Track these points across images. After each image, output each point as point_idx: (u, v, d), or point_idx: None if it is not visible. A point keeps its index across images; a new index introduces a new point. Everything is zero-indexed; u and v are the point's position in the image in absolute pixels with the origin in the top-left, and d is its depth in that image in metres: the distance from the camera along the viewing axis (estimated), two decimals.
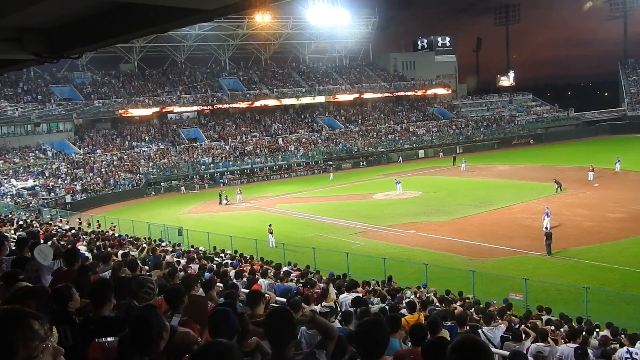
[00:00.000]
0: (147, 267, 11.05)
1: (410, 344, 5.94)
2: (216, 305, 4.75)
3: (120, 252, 14.01)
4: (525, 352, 8.69)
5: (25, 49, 6.99)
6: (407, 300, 12.39)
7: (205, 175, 60.56)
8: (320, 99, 79.93)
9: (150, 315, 3.19)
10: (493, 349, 8.95)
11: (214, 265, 15.72)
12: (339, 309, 10.34)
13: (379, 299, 13.05)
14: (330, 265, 21.55)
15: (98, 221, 34.65)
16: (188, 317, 4.70)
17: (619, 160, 46.15)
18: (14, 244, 9.09)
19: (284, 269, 17.24)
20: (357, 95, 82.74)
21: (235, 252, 21.90)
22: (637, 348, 10.17)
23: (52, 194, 49.42)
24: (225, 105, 73.98)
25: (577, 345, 9.22)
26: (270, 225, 29.91)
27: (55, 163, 55.74)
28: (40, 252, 6.21)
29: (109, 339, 3.48)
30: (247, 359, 3.75)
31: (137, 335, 3.07)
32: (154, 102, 69.21)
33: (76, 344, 4.05)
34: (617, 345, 10.89)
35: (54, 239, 15.13)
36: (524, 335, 10.13)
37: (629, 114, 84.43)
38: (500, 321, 10.99)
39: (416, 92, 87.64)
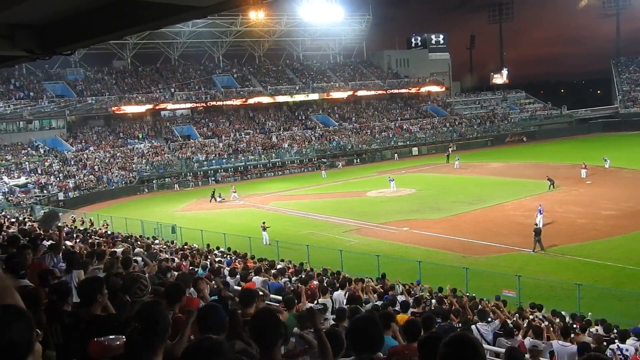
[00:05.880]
0: (141, 264, 11.03)
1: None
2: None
3: (113, 249, 13.97)
4: (518, 347, 8.74)
5: (17, 45, 6.95)
6: (401, 299, 12.40)
7: (198, 173, 60.44)
8: (314, 96, 79.87)
9: (157, 311, 3.25)
10: (486, 345, 9.00)
11: (208, 263, 15.71)
12: (333, 306, 10.36)
13: (376, 295, 13.09)
14: (324, 262, 21.56)
15: (91, 219, 34.51)
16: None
17: (606, 160, 46.30)
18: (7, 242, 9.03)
19: (279, 266, 17.25)
20: (351, 92, 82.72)
21: (229, 249, 21.89)
22: (629, 344, 10.24)
23: (45, 191, 49.18)
24: (219, 103, 73.79)
25: (577, 344, 9.30)
26: (264, 223, 29.90)
27: (48, 160, 55.47)
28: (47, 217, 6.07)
29: (110, 336, 3.50)
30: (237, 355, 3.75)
31: (145, 330, 3.11)
32: (147, 99, 68.95)
33: (66, 343, 4.03)
34: (610, 341, 10.97)
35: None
36: (515, 331, 10.20)
37: (622, 111, 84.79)
38: (493, 316, 11.05)
39: (410, 89, 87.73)
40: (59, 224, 9.72)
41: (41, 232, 12.79)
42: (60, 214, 35.22)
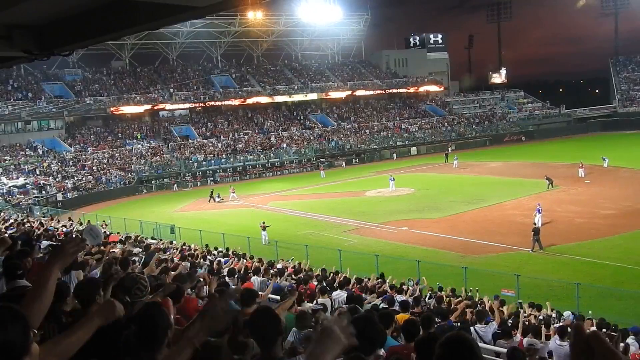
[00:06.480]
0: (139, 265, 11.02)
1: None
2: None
3: (112, 250, 13.96)
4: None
5: (14, 46, 6.94)
6: (400, 299, 12.41)
7: (197, 173, 60.41)
8: (313, 96, 79.86)
9: (156, 312, 3.16)
10: (485, 346, 9.01)
11: (207, 263, 15.71)
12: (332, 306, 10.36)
13: (375, 295, 13.09)
14: (323, 262, 21.51)
15: (89, 220, 34.46)
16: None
17: (605, 159, 46.36)
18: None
19: (278, 266, 17.24)
20: (349, 92, 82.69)
21: (227, 249, 21.88)
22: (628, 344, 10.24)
23: (43, 192, 49.12)
24: (218, 103, 73.76)
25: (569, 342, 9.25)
26: (263, 222, 29.87)
27: (47, 161, 55.42)
28: (91, 231, 5.85)
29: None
30: (238, 357, 3.75)
31: (143, 332, 3.02)
32: (146, 100, 68.91)
33: None
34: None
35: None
36: (514, 330, 10.21)
37: (620, 110, 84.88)
38: (492, 317, 11.06)
39: (409, 89, 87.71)
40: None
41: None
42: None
